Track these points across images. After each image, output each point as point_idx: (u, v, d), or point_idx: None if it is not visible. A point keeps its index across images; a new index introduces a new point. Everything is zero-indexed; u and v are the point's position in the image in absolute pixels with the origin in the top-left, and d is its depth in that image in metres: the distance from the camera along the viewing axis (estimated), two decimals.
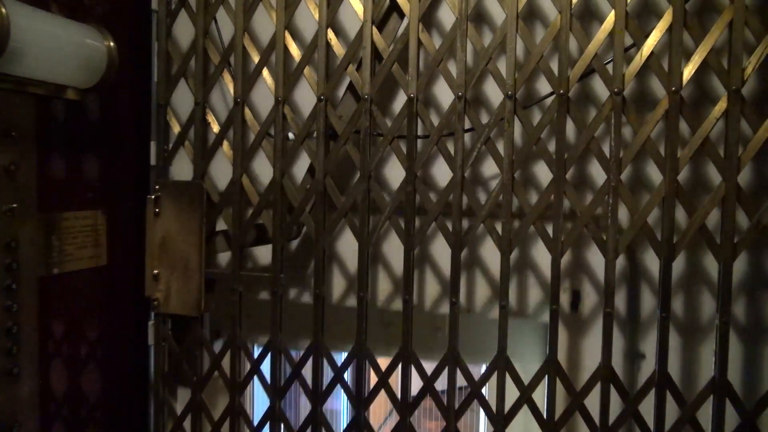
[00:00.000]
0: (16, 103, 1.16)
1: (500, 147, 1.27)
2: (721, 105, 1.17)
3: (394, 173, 1.53)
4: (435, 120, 1.31)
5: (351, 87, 1.42)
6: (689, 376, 1.40)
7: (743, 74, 1.16)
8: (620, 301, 1.42)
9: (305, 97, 1.53)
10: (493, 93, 1.45)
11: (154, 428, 1.56)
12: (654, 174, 1.38)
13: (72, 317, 1.35)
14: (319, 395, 1.42)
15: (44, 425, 1.25)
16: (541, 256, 1.46)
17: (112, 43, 1.30)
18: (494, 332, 1.30)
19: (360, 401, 1.39)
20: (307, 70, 1.38)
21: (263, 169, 1.55)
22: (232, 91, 1.43)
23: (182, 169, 1.56)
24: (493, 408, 1.31)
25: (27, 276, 1.20)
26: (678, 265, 1.35)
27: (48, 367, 1.27)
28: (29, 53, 1.10)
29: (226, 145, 1.45)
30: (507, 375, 1.29)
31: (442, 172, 1.48)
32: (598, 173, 1.39)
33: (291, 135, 1.42)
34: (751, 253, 1.35)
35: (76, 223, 1.34)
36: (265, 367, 1.46)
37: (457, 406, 1.33)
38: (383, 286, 1.58)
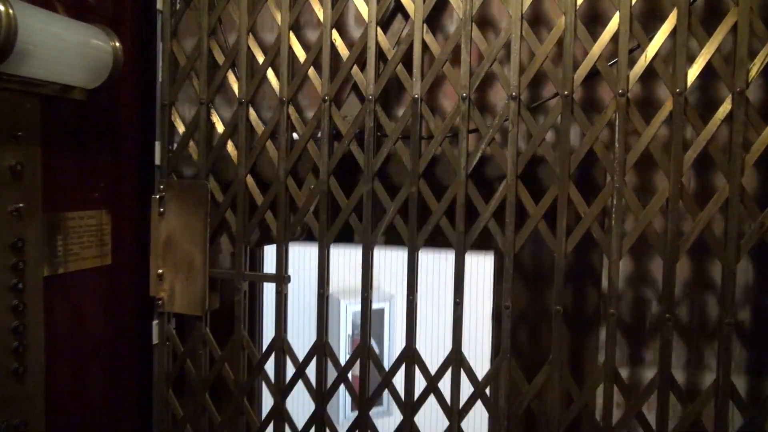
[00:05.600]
0: (22, 104, 1.17)
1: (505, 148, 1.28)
2: (726, 107, 1.17)
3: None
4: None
5: (355, 87, 1.42)
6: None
7: (748, 76, 1.16)
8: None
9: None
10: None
11: (156, 427, 1.57)
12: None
13: (77, 316, 1.35)
14: (323, 394, 1.43)
15: (49, 424, 1.26)
16: None
17: (117, 44, 1.30)
18: None
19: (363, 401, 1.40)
20: (311, 71, 1.38)
21: None
22: (236, 91, 1.44)
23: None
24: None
25: (33, 275, 1.20)
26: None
27: (53, 365, 1.27)
28: (36, 54, 1.11)
29: (230, 145, 1.46)
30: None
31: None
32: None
33: (295, 135, 1.43)
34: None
35: (81, 222, 1.34)
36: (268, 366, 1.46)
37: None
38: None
